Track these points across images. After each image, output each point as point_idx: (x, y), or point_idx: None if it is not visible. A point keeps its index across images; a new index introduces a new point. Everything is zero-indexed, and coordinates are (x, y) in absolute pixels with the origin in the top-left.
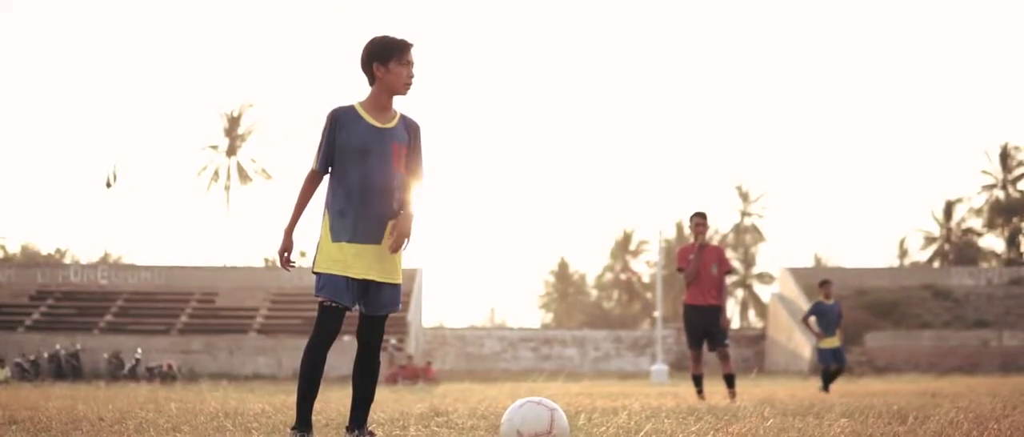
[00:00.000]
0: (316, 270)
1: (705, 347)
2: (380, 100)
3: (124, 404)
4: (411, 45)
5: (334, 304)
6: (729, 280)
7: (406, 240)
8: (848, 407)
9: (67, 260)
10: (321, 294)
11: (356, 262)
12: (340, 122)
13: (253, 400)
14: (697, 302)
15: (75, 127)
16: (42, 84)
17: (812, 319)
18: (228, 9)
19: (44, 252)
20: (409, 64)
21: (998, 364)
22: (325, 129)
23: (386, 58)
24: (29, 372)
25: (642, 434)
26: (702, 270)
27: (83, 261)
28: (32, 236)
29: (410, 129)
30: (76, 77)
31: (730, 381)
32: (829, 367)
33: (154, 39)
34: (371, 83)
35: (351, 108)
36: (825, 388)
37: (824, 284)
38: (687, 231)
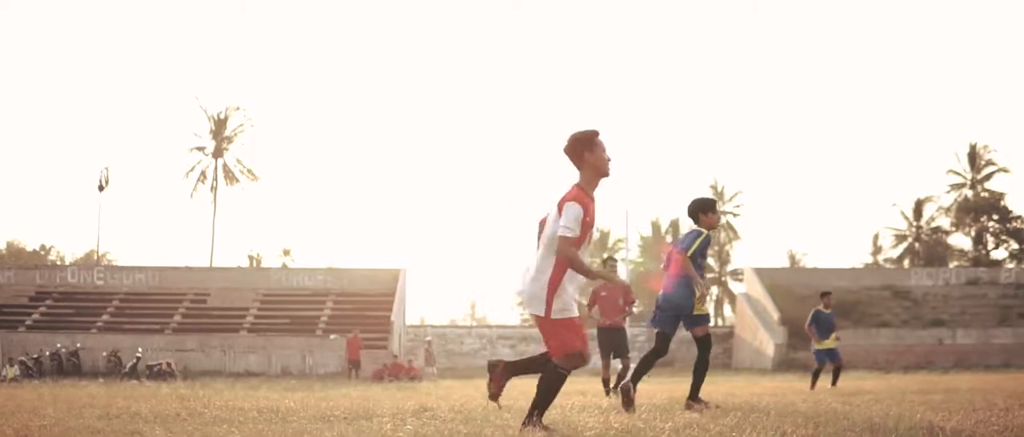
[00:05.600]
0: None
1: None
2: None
3: (173, 402)
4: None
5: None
6: (634, 309)
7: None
8: (727, 404)
9: (53, 256)
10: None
11: None
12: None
13: (282, 398)
14: (606, 326)
15: (63, 129)
16: (30, 86)
17: (811, 326)
18: (214, 12)
19: (29, 248)
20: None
21: (952, 361)
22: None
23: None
24: (33, 370)
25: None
26: (610, 302)
27: (69, 258)
28: (17, 233)
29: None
30: (63, 79)
31: (616, 385)
32: (822, 366)
33: (140, 41)
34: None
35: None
36: (813, 386)
37: (825, 295)
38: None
